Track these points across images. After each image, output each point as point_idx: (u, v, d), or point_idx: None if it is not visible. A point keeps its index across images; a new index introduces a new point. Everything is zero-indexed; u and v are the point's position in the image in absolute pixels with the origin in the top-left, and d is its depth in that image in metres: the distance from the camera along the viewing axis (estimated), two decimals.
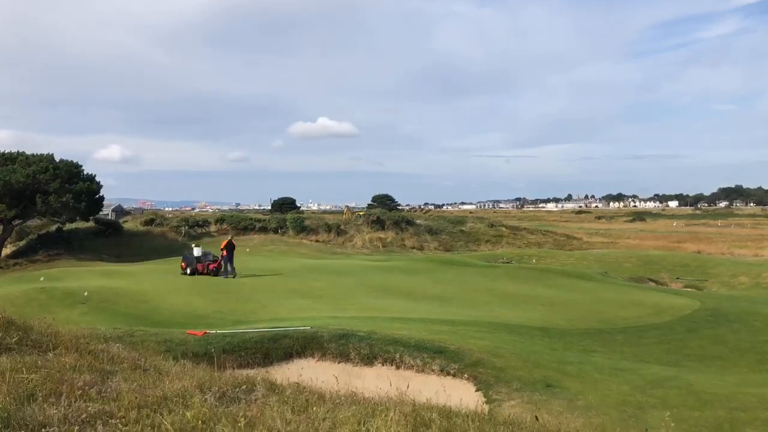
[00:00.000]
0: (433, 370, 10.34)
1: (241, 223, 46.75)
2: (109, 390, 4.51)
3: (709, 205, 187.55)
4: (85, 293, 18.68)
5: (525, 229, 60.43)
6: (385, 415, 4.40)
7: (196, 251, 26.84)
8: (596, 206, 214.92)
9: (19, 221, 38.84)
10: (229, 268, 25.14)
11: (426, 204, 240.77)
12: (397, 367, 10.69)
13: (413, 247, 46.10)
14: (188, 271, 25.79)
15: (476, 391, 9.37)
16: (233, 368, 7.15)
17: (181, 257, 27.72)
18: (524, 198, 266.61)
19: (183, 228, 44.78)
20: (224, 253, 25.33)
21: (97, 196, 39.80)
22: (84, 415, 3.86)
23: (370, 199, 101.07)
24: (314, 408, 4.61)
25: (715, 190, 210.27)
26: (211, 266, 25.73)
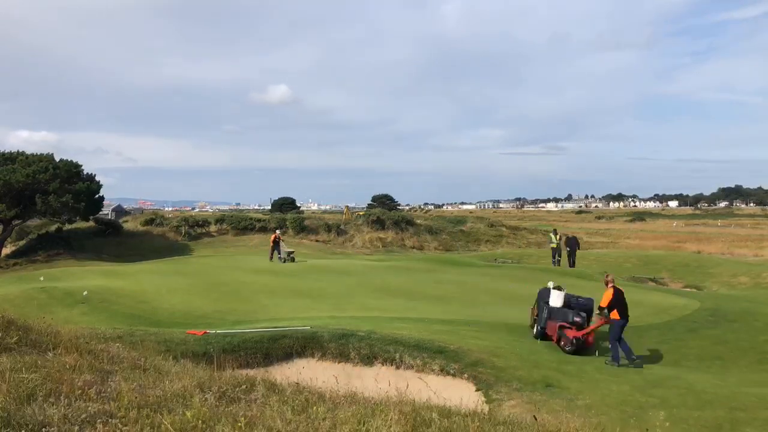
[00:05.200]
0: (433, 370, 10.34)
1: (241, 223, 46.71)
2: (109, 390, 4.51)
3: (709, 205, 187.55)
4: (85, 293, 18.66)
5: (525, 229, 60.39)
6: (385, 415, 4.40)
7: None
8: (596, 206, 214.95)
9: (19, 221, 38.81)
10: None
11: (426, 204, 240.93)
12: (397, 367, 10.69)
13: (413, 247, 46.05)
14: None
15: (476, 391, 9.37)
16: (233, 368, 7.15)
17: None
18: (524, 198, 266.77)
19: (183, 228, 44.73)
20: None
21: (97, 196, 39.79)
22: (84, 415, 3.86)
23: (370, 199, 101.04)
24: (314, 408, 4.61)
25: (715, 190, 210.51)
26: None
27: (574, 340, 12.88)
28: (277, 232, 33.70)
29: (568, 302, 14.32)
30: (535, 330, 14.35)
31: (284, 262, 30.47)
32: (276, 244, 31.74)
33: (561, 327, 13.41)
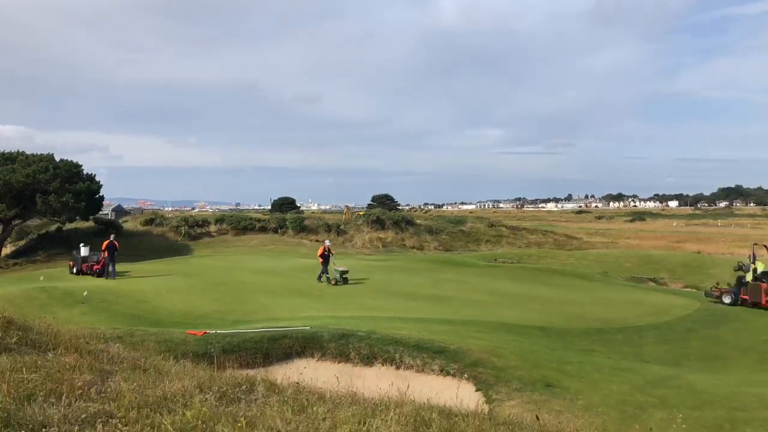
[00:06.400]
0: (433, 370, 10.34)
1: (240, 223, 46.71)
2: (109, 390, 4.51)
3: (709, 205, 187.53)
4: (85, 293, 18.67)
5: (525, 229, 60.37)
6: (385, 415, 4.40)
7: (83, 251, 27.17)
8: (596, 206, 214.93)
9: (19, 221, 38.82)
10: (110, 269, 25.20)
11: (426, 204, 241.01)
12: (397, 367, 10.68)
13: (413, 247, 46.04)
14: (74, 270, 26.69)
15: (476, 391, 9.36)
16: (233, 368, 7.14)
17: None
18: (524, 198, 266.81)
19: (183, 228, 44.74)
20: (106, 254, 25.42)
21: (97, 195, 39.80)
22: (84, 415, 3.86)
23: (370, 199, 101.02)
24: (314, 408, 4.60)
25: (715, 190, 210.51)
26: (95, 267, 26.11)
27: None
28: (327, 243, 25.60)
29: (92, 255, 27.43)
30: (74, 270, 26.84)
31: (336, 283, 22.69)
32: (326, 259, 23.85)
33: (91, 265, 26.54)
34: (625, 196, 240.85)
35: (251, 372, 7.68)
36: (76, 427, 3.69)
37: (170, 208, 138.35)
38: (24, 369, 4.61)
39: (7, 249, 39.95)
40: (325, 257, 23.90)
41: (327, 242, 25.84)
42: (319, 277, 23.49)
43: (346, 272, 23.38)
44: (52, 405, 3.98)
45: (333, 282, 22.80)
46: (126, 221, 50.27)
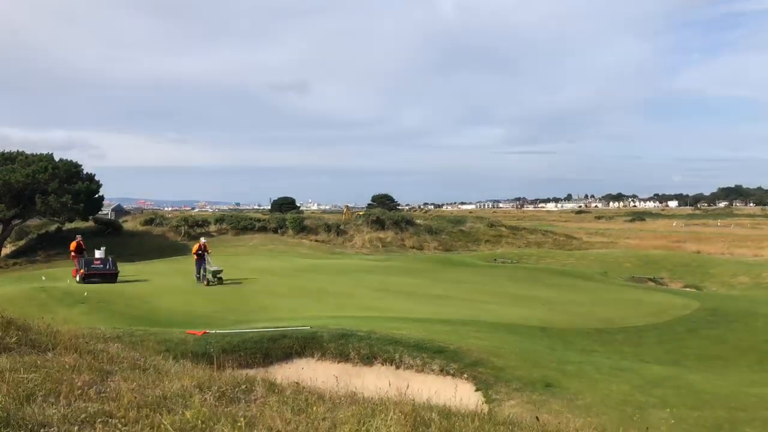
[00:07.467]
0: (432, 370, 10.34)
1: (240, 223, 46.74)
2: (108, 390, 4.51)
3: (709, 205, 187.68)
4: (85, 293, 18.67)
5: (525, 229, 60.44)
6: (385, 415, 4.40)
7: (98, 254, 24.84)
8: (596, 206, 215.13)
9: (19, 221, 38.87)
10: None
11: (426, 204, 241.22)
12: (397, 367, 10.69)
13: (413, 247, 46.07)
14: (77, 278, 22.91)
15: (476, 391, 9.36)
16: (233, 368, 7.14)
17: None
18: (524, 198, 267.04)
19: (183, 228, 44.79)
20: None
21: (97, 195, 39.85)
22: (83, 415, 3.85)
23: (370, 199, 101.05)
24: (314, 408, 4.60)
25: (714, 190, 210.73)
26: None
27: None
28: (202, 240, 25.14)
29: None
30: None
31: (208, 284, 22.03)
32: (200, 257, 23.47)
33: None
34: (624, 196, 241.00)
35: (251, 372, 7.69)
36: (76, 427, 3.68)
37: (170, 208, 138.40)
38: (23, 369, 4.61)
39: (7, 249, 40.00)
40: (200, 255, 23.42)
41: (202, 239, 25.30)
42: (197, 278, 23.06)
43: (219, 272, 22.64)
44: (52, 405, 3.97)
45: (205, 282, 22.13)
46: (126, 221, 50.30)
